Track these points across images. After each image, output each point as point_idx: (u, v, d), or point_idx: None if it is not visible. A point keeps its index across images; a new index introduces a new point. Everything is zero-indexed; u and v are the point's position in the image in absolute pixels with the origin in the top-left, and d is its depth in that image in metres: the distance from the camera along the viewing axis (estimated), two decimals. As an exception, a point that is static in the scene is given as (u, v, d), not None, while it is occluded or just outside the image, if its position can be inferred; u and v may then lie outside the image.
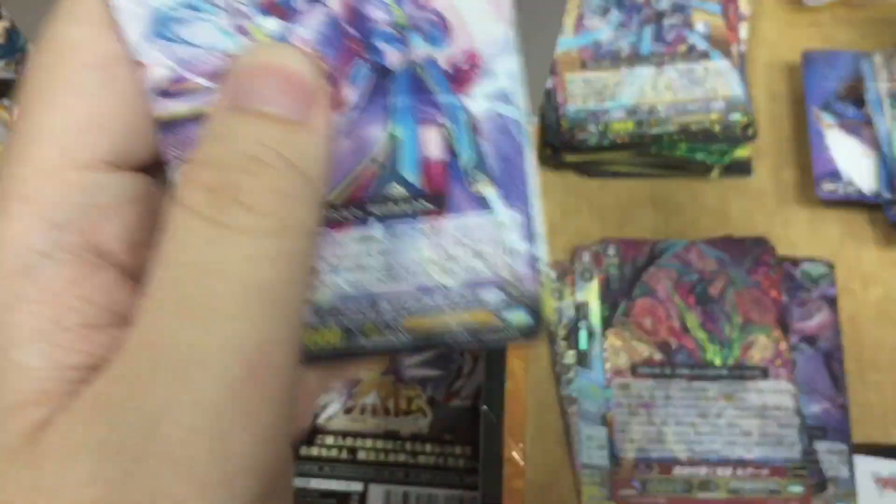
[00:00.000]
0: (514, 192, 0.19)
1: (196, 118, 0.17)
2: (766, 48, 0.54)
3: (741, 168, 0.51)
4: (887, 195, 0.48)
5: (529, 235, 0.19)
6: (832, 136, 0.50)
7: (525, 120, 0.18)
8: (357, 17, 0.17)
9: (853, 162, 0.49)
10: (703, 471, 0.44)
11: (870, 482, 0.44)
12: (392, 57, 0.18)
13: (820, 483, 0.44)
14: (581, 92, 0.50)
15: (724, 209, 0.50)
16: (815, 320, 0.47)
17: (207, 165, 0.16)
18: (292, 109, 0.16)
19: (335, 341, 0.20)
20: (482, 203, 0.19)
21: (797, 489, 0.43)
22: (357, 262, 0.19)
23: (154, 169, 0.18)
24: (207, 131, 0.17)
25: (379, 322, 0.20)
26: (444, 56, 0.18)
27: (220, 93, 0.17)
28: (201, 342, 0.15)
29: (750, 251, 0.48)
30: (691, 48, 0.51)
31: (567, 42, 0.52)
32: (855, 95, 0.51)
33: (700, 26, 0.52)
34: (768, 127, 0.52)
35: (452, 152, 0.19)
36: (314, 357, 0.20)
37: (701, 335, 0.46)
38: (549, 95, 0.50)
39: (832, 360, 0.46)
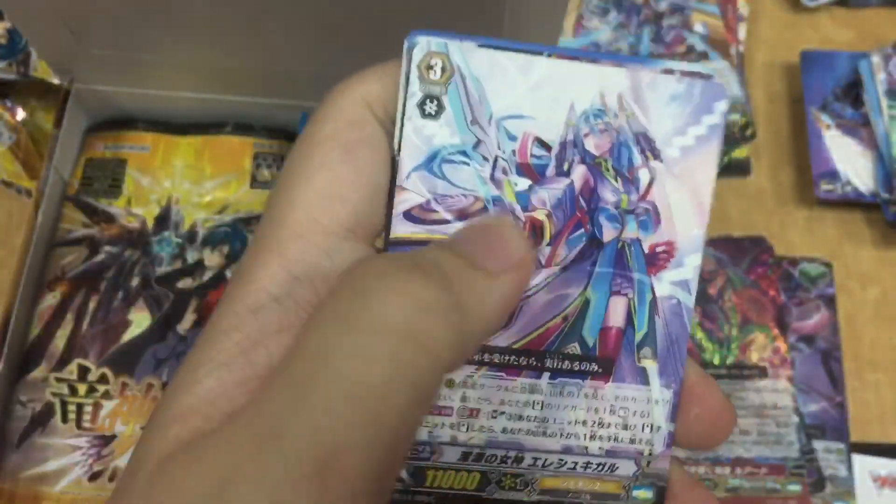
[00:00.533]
0: (671, 371, 0.21)
1: (425, 244, 0.20)
2: (764, 49, 0.54)
3: (740, 168, 0.51)
4: (885, 195, 0.48)
5: (672, 415, 0.21)
6: (830, 137, 0.50)
7: (693, 309, 0.21)
8: (590, 194, 0.21)
9: (851, 162, 0.49)
10: (701, 469, 0.44)
11: (868, 480, 0.44)
12: (607, 232, 0.21)
13: (818, 481, 0.44)
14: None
15: (722, 209, 0.51)
16: (814, 320, 0.47)
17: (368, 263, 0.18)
18: (486, 260, 0.18)
19: (470, 486, 0.21)
20: (643, 376, 0.21)
21: (795, 488, 0.44)
22: (518, 411, 0.21)
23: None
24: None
25: (517, 476, 0.21)
26: (648, 241, 0.21)
27: (451, 239, 0.19)
28: (288, 424, 0.15)
29: (748, 251, 0.48)
30: (690, 49, 0.51)
31: (566, 43, 0.52)
32: (853, 96, 0.51)
33: (699, 27, 0.52)
34: (767, 127, 0.52)
35: (631, 324, 0.21)
36: (445, 499, 0.21)
37: (699, 334, 0.46)
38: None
39: (830, 360, 0.46)
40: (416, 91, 0.20)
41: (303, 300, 0.19)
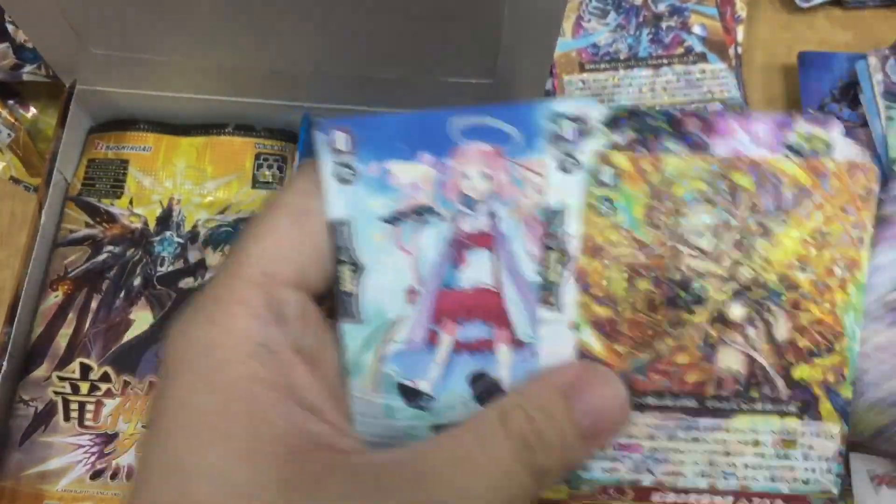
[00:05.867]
0: None
1: None
2: (762, 50, 0.55)
3: (738, 169, 0.51)
4: (881, 195, 0.49)
5: None
6: (828, 137, 0.50)
7: None
8: None
9: (848, 163, 0.50)
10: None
11: (865, 479, 0.44)
12: None
13: None
14: (579, 93, 0.51)
15: (721, 209, 0.51)
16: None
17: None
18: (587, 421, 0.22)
19: None
20: None
21: (793, 486, 0.44)
22: None
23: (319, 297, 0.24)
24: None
25: None
26: None
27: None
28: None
29: (747, 251, 0.48)
30: (688, 50, 0.52)
31: (565, 44, 0.52)
32: (850, 97, 0.51)
33: (697, 29, 0.52)
34: (765, 128, 0.53)
35: None
36: None
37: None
38: (548, 97, 0.51)
39: (828, 359, 0.46)
40: None
41: (282, 343, 0.22)
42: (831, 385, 0.23)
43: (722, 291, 0.22)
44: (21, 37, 0.49)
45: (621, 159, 0.21)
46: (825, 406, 0.23)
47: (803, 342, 0.23)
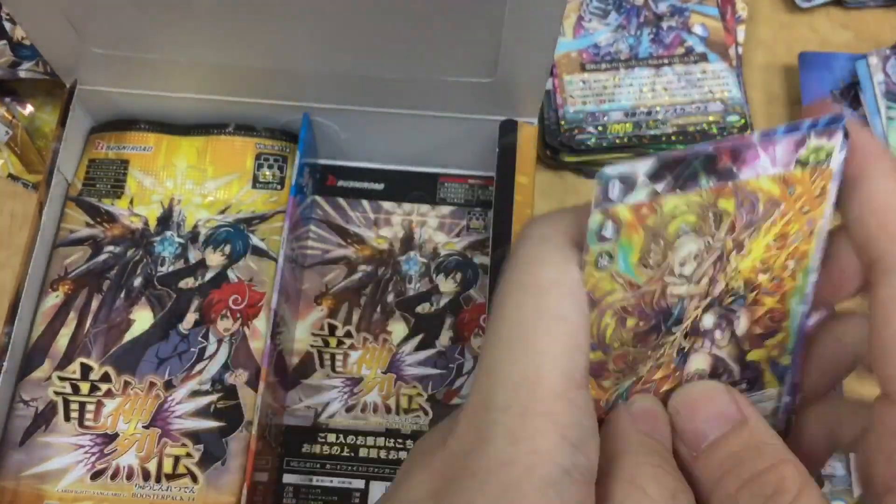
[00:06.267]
0: None
1: None
2: (762, 50, 0.55)
3: (738, 169, 0.51)
4: None
5: None
6: (828, 138, 0.50)
7: None
8: None
9: (849, 163, 0.50)
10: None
11: (866, 479, 0.44)
12: None
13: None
14: (580, 93, 0.51)
15: (721, 210, 0.51)
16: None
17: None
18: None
19: None
20: None
21: (794, 486, 0.44)
22: None
23: None
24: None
25: None
26: None
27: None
28: None
29: (747, 251, 0.48)
30: (689, 50, 0.52)
31: (566, 44, 0.52)
32: (851, 97, 0.51)
33: (698, 29, 0.52)
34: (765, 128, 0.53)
35: None
36: None
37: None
38: (549, 97, 0.51)
39: (829, 359, 0.46)
40: None
41: (585, 469, 0.20)
42: (775, 358, 0.24)
43: (698, 307, 0.23)
44: (18, 34, 0.49)
45: (621, 210, 0.20)
46: (767, 375, 0.24)
47: (758, 330, 0.24)
